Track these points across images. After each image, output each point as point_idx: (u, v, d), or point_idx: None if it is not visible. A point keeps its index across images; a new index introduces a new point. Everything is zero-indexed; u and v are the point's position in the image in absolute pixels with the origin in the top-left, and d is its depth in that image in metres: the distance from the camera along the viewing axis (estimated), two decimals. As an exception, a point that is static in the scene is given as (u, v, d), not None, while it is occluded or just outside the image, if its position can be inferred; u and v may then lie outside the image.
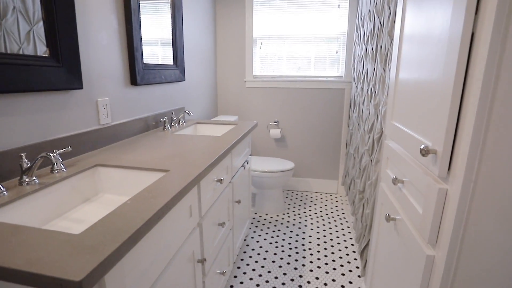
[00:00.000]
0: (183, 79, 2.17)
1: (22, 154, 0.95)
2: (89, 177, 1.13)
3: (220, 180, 1.33)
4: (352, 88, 2.67)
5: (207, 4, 2.69)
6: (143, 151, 1.34)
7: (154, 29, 1.80)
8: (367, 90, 2.06)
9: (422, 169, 0.86)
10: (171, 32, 2.01)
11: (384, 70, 1.70)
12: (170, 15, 1.99)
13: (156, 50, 1.83)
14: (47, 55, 1.09)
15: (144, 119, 1.74)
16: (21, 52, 0.99)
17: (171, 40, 2.03)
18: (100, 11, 1.37)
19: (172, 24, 2.01)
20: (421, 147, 0.76)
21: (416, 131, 0.92)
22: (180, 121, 1.98)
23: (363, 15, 2.37)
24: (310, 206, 2.80)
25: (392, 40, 1.60)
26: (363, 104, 2.19)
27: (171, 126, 1.90)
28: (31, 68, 1.01)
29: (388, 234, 1.18)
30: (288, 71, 2.95)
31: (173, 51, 2.05)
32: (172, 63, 2.04)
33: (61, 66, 1.13)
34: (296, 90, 2.95)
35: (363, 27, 2.35)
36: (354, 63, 2.63)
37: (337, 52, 2.81)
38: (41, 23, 1.06)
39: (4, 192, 0.87)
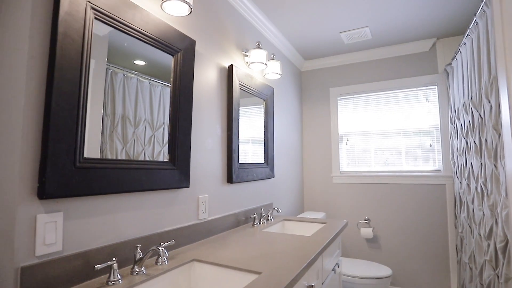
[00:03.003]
0: (272, 176, 2.29)
1: (138, 245, 1.08)
2: (185, 272, 1.19)
3: (311, 287, 1.23)
4: (455, 183, 2.38)
5: (294, 105, 2.99)
6: (235, 248, 1.37)
7: (247, 129, 2.04)
8: (476, 188, 1.82)
9: None
10: (263, 134, 2.24)
11: (495, 166, 1.51)
12: (263, 119, 2.25)
13: (247, 148, 2.04)
14: (167, 160, 1.33)
15: (236, 214, 1.83)
16: (143, 153, 1.22)
17: (263, 141, 2.24)
18: (209, 122, 1.65)
19: (264, 127, 2.25)
20: None
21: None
22: (269, 218, 2.02)
23: (456, 107, 2.27)
24: (417, 327, 2.28)
25: (500, 134, 1.46)
26: (472, 203, 1.91)
27: (260, 222, 1.94)
28: (155, 171, 1.23)
29: None
30: (376, 164, 2.85)
31: (264, 150, 2.25)
32: (263, 161, 2.22)
33: (176, 169, 1.34)
34: (387, 186, 2.77)
35: (458, 119, 2.23)
36: (453, 156, 2.42)
37: (431, 146, 2.65)
38: (160, 130, 1.32)
39: (119, 280, 0.98)
